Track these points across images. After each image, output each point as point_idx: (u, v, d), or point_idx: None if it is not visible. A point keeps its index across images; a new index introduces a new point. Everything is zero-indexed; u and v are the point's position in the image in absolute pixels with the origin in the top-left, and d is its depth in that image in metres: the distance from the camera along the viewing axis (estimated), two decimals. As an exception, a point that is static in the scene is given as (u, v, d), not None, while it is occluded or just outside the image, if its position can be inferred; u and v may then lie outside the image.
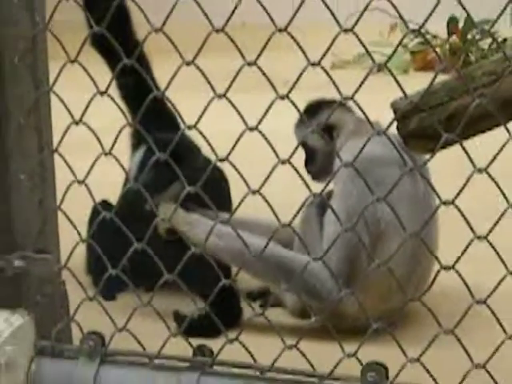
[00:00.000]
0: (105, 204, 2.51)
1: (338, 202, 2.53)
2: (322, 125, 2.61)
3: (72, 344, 1.83)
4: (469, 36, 6.28)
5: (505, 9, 1.49)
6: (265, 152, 1.65)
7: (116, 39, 1.73)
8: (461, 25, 6.43)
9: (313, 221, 2.65)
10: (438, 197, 1.62)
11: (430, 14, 1.51)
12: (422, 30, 1.54)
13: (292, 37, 1.58)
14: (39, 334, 1.78)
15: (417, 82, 1.85)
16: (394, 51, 1.62)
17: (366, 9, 1.48)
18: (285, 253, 2.54)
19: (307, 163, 2.74)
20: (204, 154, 2.68)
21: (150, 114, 1.78)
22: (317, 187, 1.75)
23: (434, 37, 6.33)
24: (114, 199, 2.64)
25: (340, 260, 2.48)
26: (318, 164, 2.73)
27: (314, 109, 2.66)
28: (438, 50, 6.21)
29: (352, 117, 2.68)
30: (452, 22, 6.43)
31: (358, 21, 1.53)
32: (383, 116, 1.83)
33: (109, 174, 2.03)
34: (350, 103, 1.90)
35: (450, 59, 6.08)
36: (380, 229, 2.47)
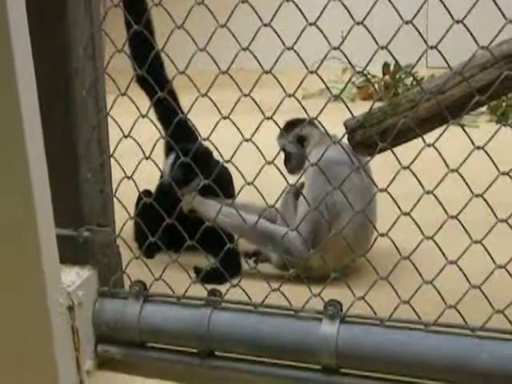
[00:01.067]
0: (147, 192, 2.50)
1: (307, 191, 2.52)
2: (296, 136, 2.62)
3: (124, 289, 1.83)
4: (397, 76, 6.25)
5: (421, 57, 1.49)
6: (256, 156, 1.65)
7: (153, 78, 1.72)
8: (392, 68, 6.41)
9: (290, 204, 2.65)
10: (376, 186, 1.62)
11: (369, 61, 1.51)
12: (365, 72, 1.54)
13: (274, 77, 1.58)
14: (101, 282, 1.78)
15: (361, 108, 1.85)
16: (345, 86, 1.62)
17: (325, 57, 1.48)
18: (271, 226, 2.53)
19: (286, 163, 2.74)
20: (215, 157, 2.66)
21: (177, 130, 1.77)
22: (293, 180, 1.75)
23: (373, 76, 6.29)
24: (153, 190, 2.64)
25: (308, 230, 2.48)
26: (293, 164, 2.73)
27: (290, 125, 2.66)
28: (376, 85, 6.18)
29: (317, 131, 2.67)
30: (385, 66, 6.41)
31: (319, 66, 1.53)
32: (338, 131, 1.82)
33: (149, 173, 2.01)
34: (316, 122, 1.90)
35: (384, 92, 6.05)
36: (336, 209, 2.46)
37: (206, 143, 1.75)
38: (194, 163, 1.73)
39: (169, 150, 2.71)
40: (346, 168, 2.38)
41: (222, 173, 2.57)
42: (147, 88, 2.42)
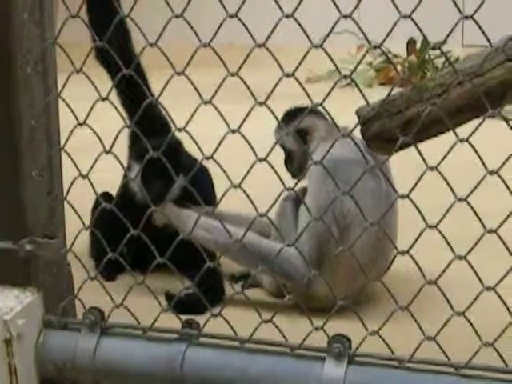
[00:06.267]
0: (106, 195, 2.50)
1: (310, 198, 2.53)
2: (297, 129, 2.62)
3: (75, 318, 1.82)
4: (425, 55, 6.29)
5: (453, 28, 1.49)
6: (246, 153, 1.66)
7: (116, 52, 1.73)
8: (418, 45, 6.44)
9: (288, 214, 2.66)
10: (395, 191, 1.62)
11: (389, 33, 1.51)
12: (385, 50, 1.54)
13: (270, 52, 1.58)
14: (47, 309, 1.78)
15: (379, 95, 1.86)
16: (357, 65, 1.62)
17: (334, 26, 1.48)
18: (264, 242, 2.54)
19: (286, 163, 2.75)
20: (190, 153, 2.66)
21: (145, 118, 1.78)
22: (292, 183, 1.74)
23: (395, 56, 6.34)
24: (113, 193, 2.64)
25: (312, 248, 2.49)
26: (295, 164, 2.73)
27: (290, 115, 2.67)
28: (398, 66, 6.22)
29: (324, 123, 2.67)
30: (411, 43, 6.45)
31: (327, 37, 1.54)
32: (350, 123, 1.82)
33: (108, 171, 2.02)
34: (322, 111, 1.91)
35: (408, 75, 6.09)
36: (347, 221, 2.47)
37: (182, 136, 1.75)
38: (168, 161, 1.73)
39: (133, 143, 2.72)
40: (359, 168, 2.39)
41: (200, 174, 2.59)
42: (108, 64, 2.43)
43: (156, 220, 2.49)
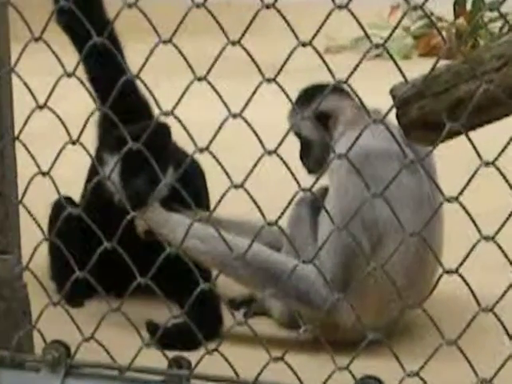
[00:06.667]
0: (67, 200, 2.49)
1: (333, 201, 2.53)
2: (316, 113, 2.60)
3: (34, 354, 1.83)
4: (477, 19, 6.31)
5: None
6: (250, 144, 1.66)
7: (84, 15, 1.73)
8: (468, 6, 6.46)
9: (303, 221, 2.65)
10: (441, 192, 1.62)
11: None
12: (427, 11, 1.55)
13: (280, 13, 1.58)
14: (-2, 342, 1.78)
15: (420, 69, 1.86)
16: (394, 30, 1.62)
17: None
18: (273, 256, 2.54)
19: (302, 155, 2.74)
20: (178, 145, 2.67)
21: (121, 99, 1.78)
22: (310, 182, 1.74)
23: (439, 19, 6.35)
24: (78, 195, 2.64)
25: (336, 265, 2.48)
26: (314, 156, 2.73)
27: (308, 95, 2.65)
28: (443, 32, 6.23)
29: (351, 104, 2.66)
30: (459, 3, 6.46)
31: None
32: (383, 104, 1.82)
33: (66, 167, 2.02)
34: (348, 90, 1.90)
35: (456, 44, 6.09)
36: (379, 230, 2.47)
37: (169, 121, 1.76)
38: (152, 153, 1.73)
39: (104, 131, 2.72)
40: (395, 163, 2.39)
41: (191, 169, 2.59)
42: (74, 31, 2.43)
43: (137, 227, 2.49)
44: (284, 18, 1.58)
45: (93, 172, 2.56)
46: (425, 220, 2.33)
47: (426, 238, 1.90)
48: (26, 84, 1.69)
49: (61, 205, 2.29)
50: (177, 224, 2.52)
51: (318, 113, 2.61)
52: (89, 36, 1.70)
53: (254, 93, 1.57)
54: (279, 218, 1.70)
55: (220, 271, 2.37)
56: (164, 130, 2.52)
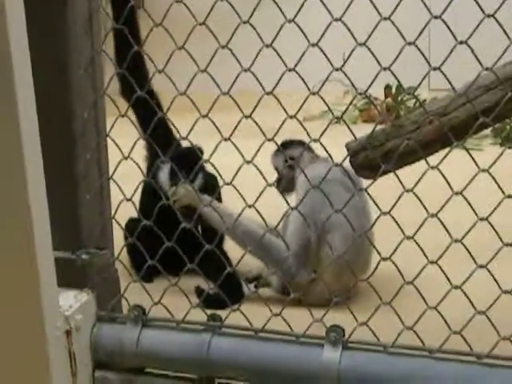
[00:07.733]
0: (132, 220, 2.59)
1: (296, 210, 2.56)
2: (287, 157, 2.68)
3: (122, 313, 1.81)
4: (399, 98, 6.29)
5: (424, 78, 1.49)
6: (258, 180, 1.65)
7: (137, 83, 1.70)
8: (393, 90, 6.44)
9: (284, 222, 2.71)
10: (379, 208, 1.59)
11: (372, 82, 1.51)
12: (367, 94, 1.54)
13: (276, 98, 1.58)
14: (99, 306, 1.77)
15: (363, 131, 1.85)
16: (347, 108, 1.61)
17: (327, 78, 1.48)
18: (273, 239, 2.56)
19: (277, 182, 2.81)
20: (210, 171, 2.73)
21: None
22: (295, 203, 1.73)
23: (375, 99, 6.32)
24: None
25: (296, 245, 2.57)
26: (284, 184, 2.81)
27: (283, 146, 2.74)
28: (378, 107, 6.21)
29: (310, 153, 2.74)
30: (387, 88, 6.44)
31: (321, 87, 1.54)
32: (340, 154, 1.80)
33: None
34: (312, 146, 1.90)
35: (386, 114, 6.08)
36: (325, 227, 2.51)
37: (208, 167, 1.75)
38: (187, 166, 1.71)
39: (155, 155, 2.69)
40: (338, 187, 2.42)
41: (211, 178, 2.70)
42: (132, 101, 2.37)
43: (176, 203, 2.46)
44: (278, 100, 1.58)
45: (145, 190, 2.64)
46: (360, 222, 2.42)
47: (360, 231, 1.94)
48: (116, 144, 1.68)
49: (133, 218, 2.33)
50: (201, 199, 2.50)
51: (289, 156, 2.71)
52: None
53: (260, 147, 1.57)
54: (277, 225, 1.68)
55: (242, 242, 2.51)
56: (198, 150, 2.49)
